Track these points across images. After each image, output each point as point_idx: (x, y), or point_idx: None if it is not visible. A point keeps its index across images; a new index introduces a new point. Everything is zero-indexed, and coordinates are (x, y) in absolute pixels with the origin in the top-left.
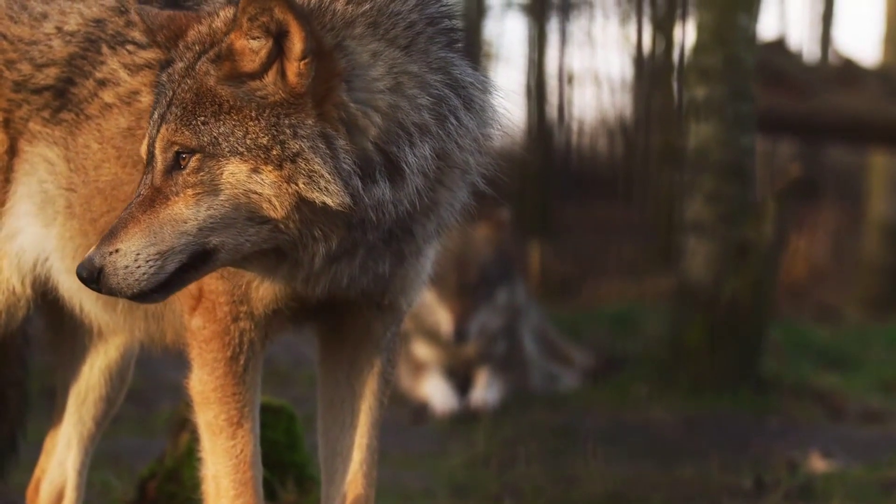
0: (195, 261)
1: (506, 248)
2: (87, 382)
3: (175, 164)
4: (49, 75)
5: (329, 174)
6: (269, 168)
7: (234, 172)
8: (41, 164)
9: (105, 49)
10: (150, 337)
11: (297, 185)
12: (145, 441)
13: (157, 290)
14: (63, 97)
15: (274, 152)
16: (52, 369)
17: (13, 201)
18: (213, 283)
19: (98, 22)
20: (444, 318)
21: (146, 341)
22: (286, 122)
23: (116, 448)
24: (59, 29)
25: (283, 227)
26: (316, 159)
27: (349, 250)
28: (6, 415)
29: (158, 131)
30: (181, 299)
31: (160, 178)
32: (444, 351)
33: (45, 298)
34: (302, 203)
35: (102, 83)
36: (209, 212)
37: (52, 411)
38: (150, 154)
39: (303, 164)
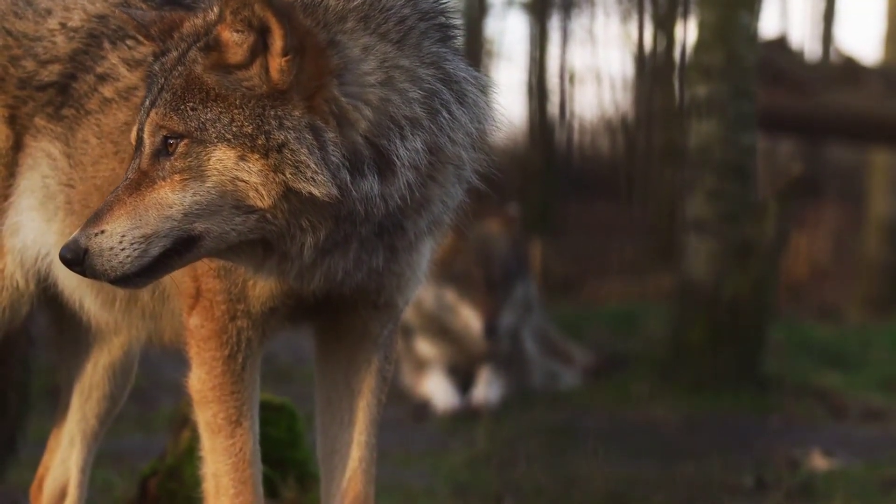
0: (179, 247)
1: (519, 243)
2: (91, 380)
3: (163, 149)
4: (53, 72)
5: (316, 165)
6: (256, 156)
7: (222, 158)
8: (44, 160)
9: (106, 44)
10: (148, 336)
11: (283, 174)
12: (146, 439)
13: (141, 274)
14: (65, 93)
15: (259, 141)
16: (55, 367)
17: (16, 195)
18: (210, 281)
19: (101, 18)
20: (471, 316)
21: (144, 340)
22: (271, 112)
23: (118, 446)
24: (62, 25)
25: (270, 216)
26: (302, 150)
27: (341, 243)
28: (7, 416)
29: (148, 116)
30: (180, 298)
31: (147, 162)
32: (450, 348)
33: (46, 294)
34: (289, 193)
35: (102, 78)
36: (195, 197)
37: (56, 409)
38: (139, 139)
39: (289, 155)
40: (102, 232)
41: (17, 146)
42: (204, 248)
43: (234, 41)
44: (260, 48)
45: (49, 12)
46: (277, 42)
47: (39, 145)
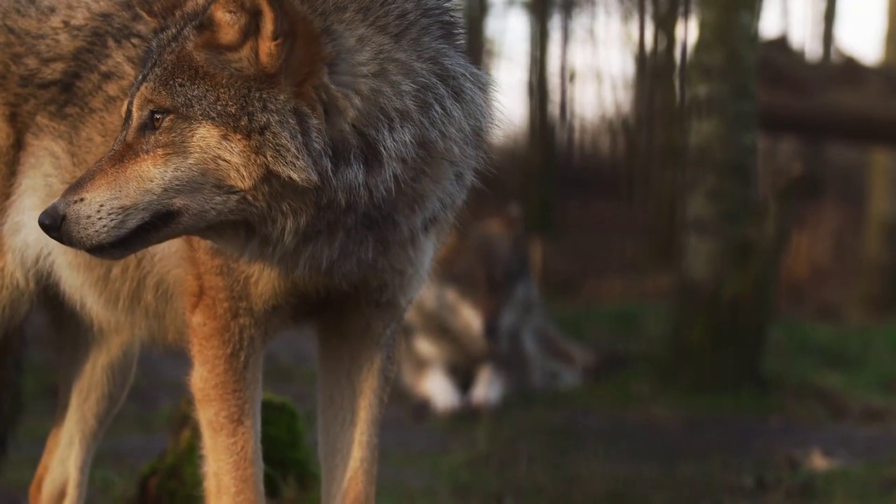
0: (157, 221)
1: (521, 244)
2: (90, 380)
3: (149, 123)
4: (55, 70)
5: (297, 150)
6: (238, 137)
7: (205, 136)
8: (46, 158)
9: (111, 42)
10: (152, 335)
11: (265, 156)
12: (146, 438)
13: (117, 245)
14: (69, 91)
15: (242, 122)
16: (54, 367)
17: (18, 194)
18: (212, 279)
19: (105, 16)
20: (471, 316)
21: (147, 340)
22: (256, 94)
23: (118, 445)
24: (66, 23)
25: (251, 198)
26: (284, 134)
27: (325, 231)
28: None
29: (138, 90)
30: (182, 297)
31: (133, 135)
32: (450, 347)
33: (47, 294)
34: (270, 175)
35: (107, 76)
36: (176, 173)
37: (54, 409)
38: (128, 112)
39: (270, 138)
40: (82, 200)
41: (19, 144)
42: (182, 225)
43: (227, 21)
44: (252, 30)
45: (52, 10)
46: (268, 25)
47: (42, 144)
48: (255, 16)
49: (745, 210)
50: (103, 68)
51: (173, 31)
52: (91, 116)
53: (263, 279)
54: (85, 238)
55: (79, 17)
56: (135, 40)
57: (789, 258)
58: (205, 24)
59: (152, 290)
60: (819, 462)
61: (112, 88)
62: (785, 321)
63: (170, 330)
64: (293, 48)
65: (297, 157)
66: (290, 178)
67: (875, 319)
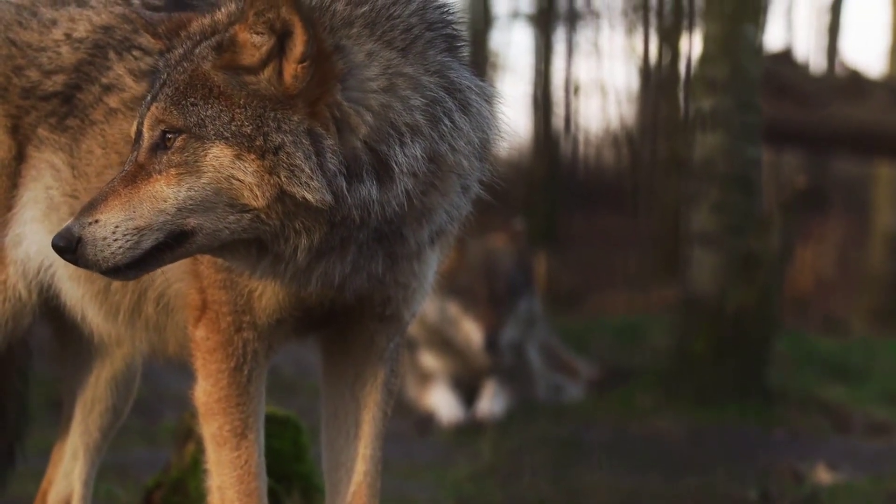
0: (171, 241)
1: (525, 258)
2: (94, 393)
3: (161, 143)
4: (57, 82)
5: (311, 170)
6: (252, 157)
7: (218, 156)
8: (47, 170)
9: (112, 55)
10: (152, 348)
11: (278, 177)
12: (150, 452)
13: (132, 266)
14: (70, 103)
15: (257, 142)
16: (58, 380)
17: (20, 206)
18: (216, 293)
19: (107, 29)
20: (472, 330)
21: (148, 352)
22: (271, 115)
23: (122, 459)
24: (67, 35)
25: (264, 217)
26: (298, 154)
27: (338, 247)
28: (5, 428)
29: (148, 110)
30: (185, 310)
31: (145, 155)
32: (453, 361)
33: (49, 306)
34: (284, 195)
35: (108, 88)
36: (189, 193)
37: (59, 422)
38: (138, 132)
39: (284, 158)
40: (96, 221)
41: (20, 157)
42: (196, 244)
43: (253, 43)
44: (276, 52)
45: (54, 23)
46: (298, 48)
47: (43, 156)
48: (282, 38)
49: (750, 223)
50: (104, 80)
51: (181, 50)
52: (92, 128)
53: (267, 293)
54: (101, 260)
55: (80, 30)
56: (136, 52)
57: (794, 271)
58: (225, 45)
59: (153, 302)
60: (823, 475)
61: (113, 100)
62: (789, 333)
63: (171, 343)
64: (315, 69)
65: (312, 178)
66: (304, 198)
67: (879, 332)
